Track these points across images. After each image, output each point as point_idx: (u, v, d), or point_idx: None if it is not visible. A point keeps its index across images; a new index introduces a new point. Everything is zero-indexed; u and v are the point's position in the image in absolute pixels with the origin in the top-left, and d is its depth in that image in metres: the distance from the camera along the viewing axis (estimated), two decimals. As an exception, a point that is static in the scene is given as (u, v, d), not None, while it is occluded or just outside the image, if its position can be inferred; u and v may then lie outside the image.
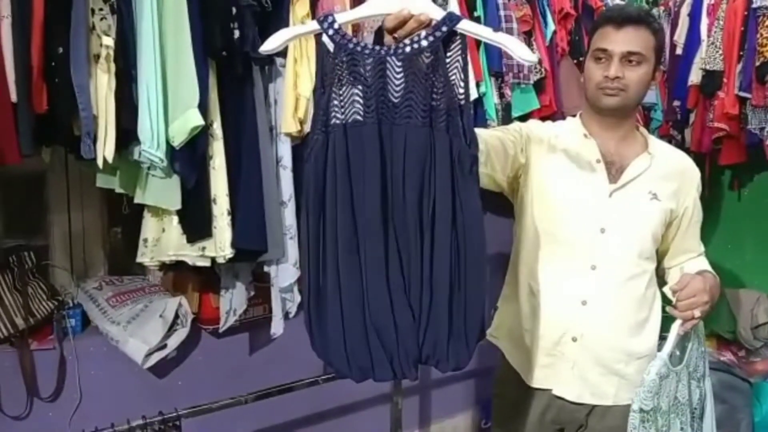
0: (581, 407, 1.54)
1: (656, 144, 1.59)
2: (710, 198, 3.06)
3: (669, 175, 1.54)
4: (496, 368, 1.70)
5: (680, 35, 2.77)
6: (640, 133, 1.59)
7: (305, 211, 1.16)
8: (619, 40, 1.45)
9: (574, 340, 1.50)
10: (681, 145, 2.93)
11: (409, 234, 1.14)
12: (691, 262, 1.62)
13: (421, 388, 2.81)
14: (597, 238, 1.49)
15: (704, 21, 2.66)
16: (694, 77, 2.69)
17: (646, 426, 1.38)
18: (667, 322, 1.51)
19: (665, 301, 1.57)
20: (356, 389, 2.52)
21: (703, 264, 1.62)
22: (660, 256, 1.63)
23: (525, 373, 1.58)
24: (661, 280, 1.63)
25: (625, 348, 1.52)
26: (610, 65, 1.45)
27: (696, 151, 2.84)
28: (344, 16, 1.18)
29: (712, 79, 2.63)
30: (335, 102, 1.14)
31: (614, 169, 1.52)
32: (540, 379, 1.55)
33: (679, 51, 2.78)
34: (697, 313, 1.40)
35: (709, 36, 2.63)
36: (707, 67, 2.62)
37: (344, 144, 1.14)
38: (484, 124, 2.20)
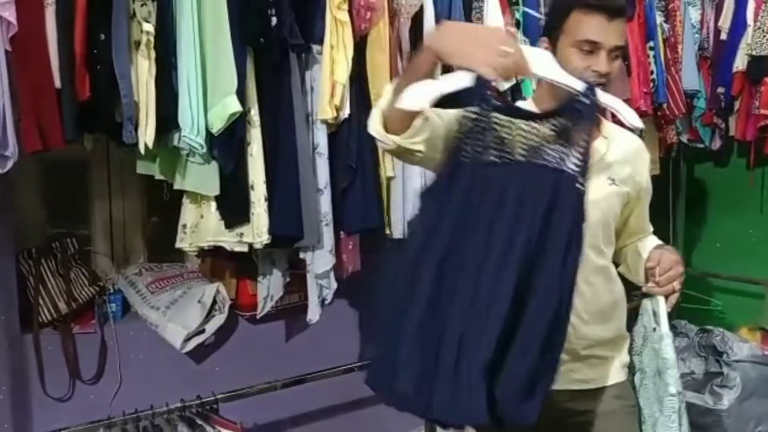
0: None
1: (609, 127, 1.52)
2: (754, 189, 2.98)
3: (623, 158, 1.49)
4: None
5: (725, 20, 2.69)
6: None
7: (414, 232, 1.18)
8: (611, 34, 1.35)
9: None
10: (725, 134, 2.86)
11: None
12: (644, 240, 1.57)
13: (456, 378, 2.80)
14: None
15: (751, 5, 2.58)
16: (740, 63, 2.61)
17: (682, 408, 1.35)
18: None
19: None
20: (391, 378, 2.53)
21: (656, 241, 1.57)
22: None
23: None
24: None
25: (596, 336, 1.46)
26: (597, 58, 1.35)
27: (741, 139, 2.77)
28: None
29: (759, 65, 2.55)
30: (467, 144, 1.16)
31: None
32: None
33: (723, 36, 2.70)
34: (677, 285, 1.36)
35: (755, 21, 2.56)
36: (754, 53, 2.54)
37: (467, 180, 1.14)
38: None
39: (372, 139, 1.87)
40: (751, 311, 2.99)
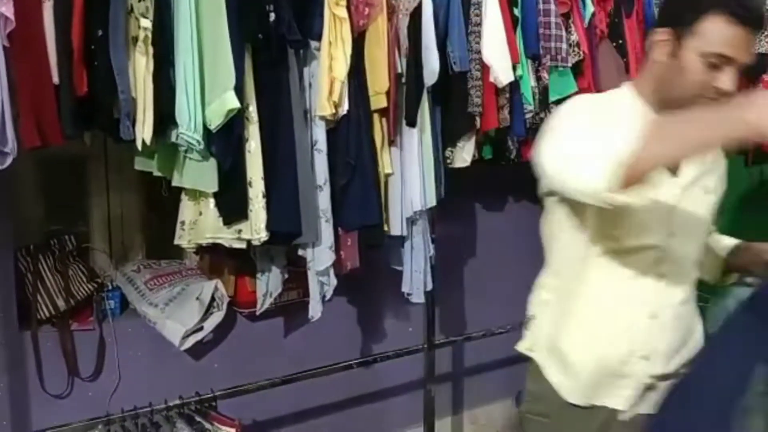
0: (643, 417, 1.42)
1: None
2: (755, 187, 2.98)
3: (713, 165, 1.42)
4: (529, 384, 1.50)
5: (724, 17, 2.69)
6: None
7: None
8: (747, 49, 1.20)
9: (646, 358, 1.36)
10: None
11: None
12: (715, 237, 1.55)
13: (455, 375, 2.80)
14: (665, 244, 1.33)
15: (749, 2, 2.58)
16: (738, 60, 2.62)
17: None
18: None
19: None
20: (390, 375, 2.54)
21: (726, 238, 1.54)
22: None
23: (573, 390, 1.40)
24: None
25: (683, 357, 1.41)
26: (724, 75, 1.20)
27: (739, 136, 2.77)
28: None
29: (757, 63, 2.55)
30: None
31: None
32: (597, 397, 1.38)
33: (722, 33, 2.70)
34: None
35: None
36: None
37: None
38: (521, 108, 2.17)
39: (370, 135, 1.92)
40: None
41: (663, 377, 1.38)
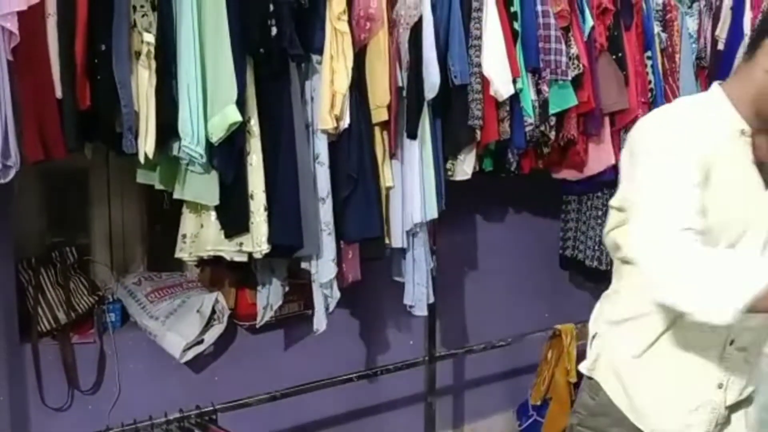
0: None
1: None
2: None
3: None
4: (585, 398, 1.42)
5: (722, 30, 2.70)
6: None
7: None
8: None
9: (720, 387, 1.31)
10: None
11: None
12: None
13: (455, 388, 2.79)
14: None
15: (748, 14, 2.60)
16: (737, 73, 2.63)
17: None
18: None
19: None
20: (391, 388, 2.53)
21: None
22: None
23: (638, 415, 1.34)
24: None
25: (751, 383, 1.37)
26: None
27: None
28: None
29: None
30: None
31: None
32: (663, 424, 1.33)
33: (720, 46, 2.71)
34: None
35: (752, 30, 2.57)
36: (751, 63, 2.55)
37: None
38: (521, 121, 2.18)
39: (371, 148, 1.92)
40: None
41: (734, 406, 1.34)
